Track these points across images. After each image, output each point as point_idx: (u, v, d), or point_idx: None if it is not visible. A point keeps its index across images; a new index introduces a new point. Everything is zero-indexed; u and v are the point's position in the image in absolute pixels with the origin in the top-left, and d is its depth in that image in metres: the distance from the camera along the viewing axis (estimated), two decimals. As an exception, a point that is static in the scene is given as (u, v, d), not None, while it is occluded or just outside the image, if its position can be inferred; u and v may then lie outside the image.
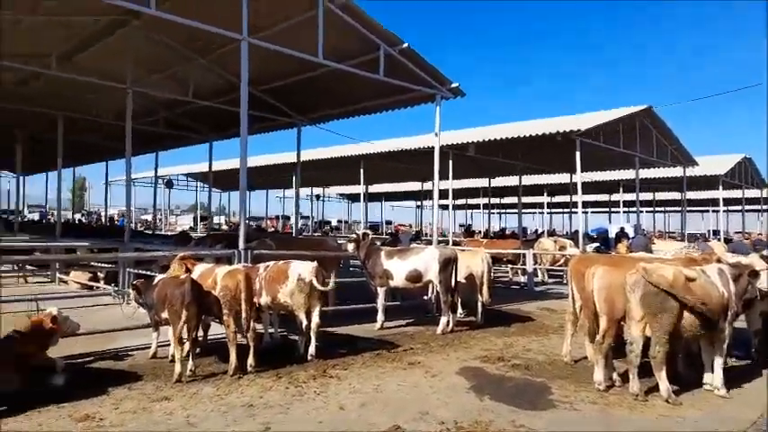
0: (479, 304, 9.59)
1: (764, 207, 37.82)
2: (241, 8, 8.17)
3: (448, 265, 8.90)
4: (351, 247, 9.42)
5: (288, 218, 47.18)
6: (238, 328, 5.97)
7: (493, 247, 17.10)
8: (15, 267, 13.24)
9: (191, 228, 38.58)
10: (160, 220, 48.59)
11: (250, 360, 5.95)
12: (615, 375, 6.01)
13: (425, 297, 10.54)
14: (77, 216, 49.29)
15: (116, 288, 9.28)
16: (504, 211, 47.76)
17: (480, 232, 30.21)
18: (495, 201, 43.01)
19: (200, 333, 6.68)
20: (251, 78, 13.06)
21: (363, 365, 6.49)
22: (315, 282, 6.62)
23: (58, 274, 12.86)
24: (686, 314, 5.54)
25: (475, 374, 6.33)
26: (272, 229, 39.02)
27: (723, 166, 26.78)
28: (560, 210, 42.38)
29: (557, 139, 16.69)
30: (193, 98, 13.45)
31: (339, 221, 48.71)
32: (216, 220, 45.32)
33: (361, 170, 22.24)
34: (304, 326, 6.69)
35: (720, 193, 28.18)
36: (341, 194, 45.59)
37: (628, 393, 5.65)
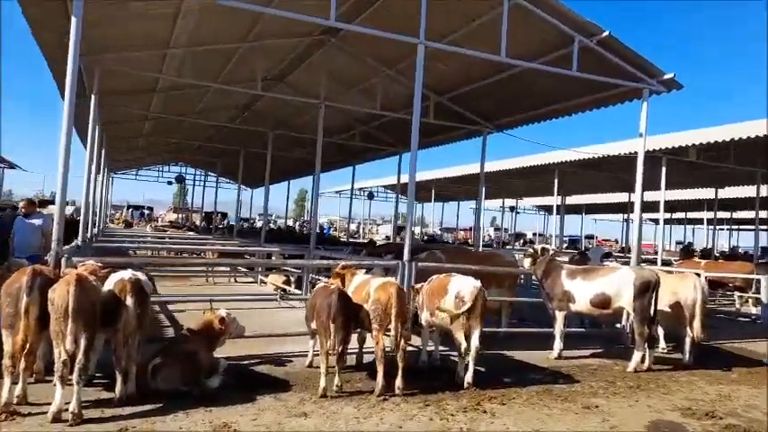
0: (687, 340, 7.83)
1: None
2: (420, 12, 7.95)
3: (646, 290, 7.41)
4: (527, 262, 8.52)
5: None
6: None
7: (715, 269, 14.30)
8: (228, 269, 14.99)
9: (386, 237, 40.31)
10: (363, 229, 52.12)
11: (398, 382, 5.53)
12: None
13: (618, 325, 9.06)
14: (294, 224, 55.43)
15: (282, 293, 9.75)
16: (736, 227, 40.44)
17: (700, 252, 25.77)
18: (723, 215, 36.76)
19: (356, 346, 6.52)
20: (434, 86, 13.07)
21: (526, 402, 5.60)
22: (469, 301, 5.95)
23: (260, 277, 14.23)
24: None
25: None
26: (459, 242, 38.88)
27: None
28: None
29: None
30: (381, 110, 13.78)
31: (534, 234, 46.39)
32: (416, 230, 46.93)
33: (555, 180, 20.67)
34: (463, 348, 6.06)
35: None
36: (537, 206, 43.38)
37: None
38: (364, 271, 7.42)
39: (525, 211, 45.98)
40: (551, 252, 8.51)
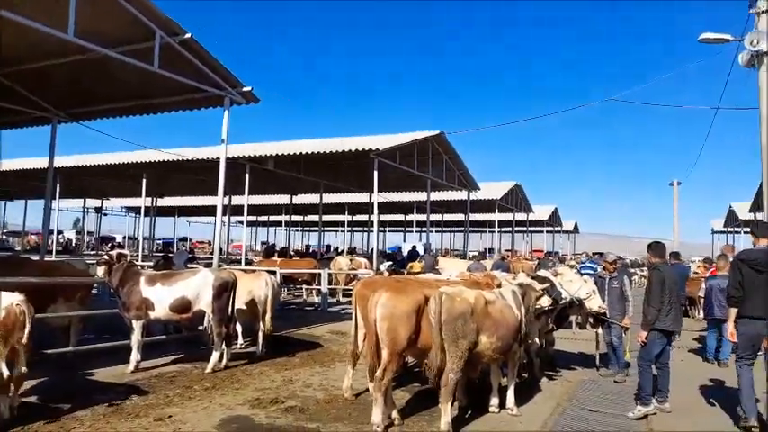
0: (260, 333, 8.53)
1: (530, 229, 43.51)
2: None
3: (224, 290, 7.68)
4: (101, 270, 7.67)
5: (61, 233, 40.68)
6: None
7: (287, 266, 16.24)
8: None
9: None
10: None
11: None
12: (395, 413, 5.46)
13: (201, 327, 9.16)
14: None
15: None
16: (307, 229, 47.44)
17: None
18: (298, 218, 42.59)
19: None
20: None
21: (90, 429, 4.96)
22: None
23: None
24: (484, 338, 5.28)
25: (239, 426, 5.26)
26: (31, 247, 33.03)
27: (499, 191, 29.93)
28: (360, 228, 43.45)
29: (356, 157, 16.64)
30: None
31: (124, 237, 43.32)
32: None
33: (144, 180, 19.71)
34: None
35: (496, 216, 31.41)
36: (127, 207, 40.60)
37: (407, 433, 5.15)
38: None
39: (113, 212, 42.41)
40: (128, 258, 7.91)
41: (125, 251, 8.44)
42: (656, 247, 6.50)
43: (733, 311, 5.66)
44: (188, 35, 8.97)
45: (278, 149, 17.27)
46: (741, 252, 6.72)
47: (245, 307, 8.54)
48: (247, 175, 16.90)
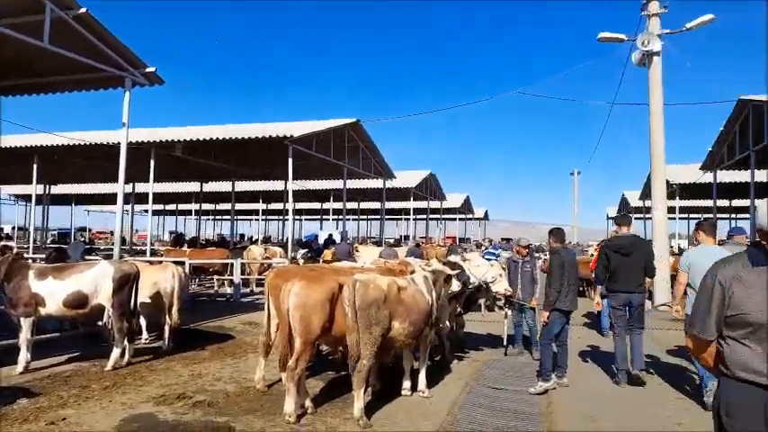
0: (167, 327, 8.14)
1: (444, 216, 44.76)
2: None
3: (126, 283, 7.23)
4: (-19, 265, 6.96)
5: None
6: None
7: (198, 257, 15.63)
8: None
9: None
10: None
11: None
12: (308, 402, 5.43)
13: (100, 323, 8.59)
14: None
15: None
16: (220, 218, 45.89)
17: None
18: (210, 207, 41.09)
19: None
20: None
21: (-32, 438, 4.52)
22: None
23: None
24: (397, 324, 5.35)
25: (142, 425, 5.00)
26: None
27: (414, 180, 30.50)
28: (276, 217, 42.69)
29: (271, 144, 16.26)
30: None
31: (14, 228, 39.73)
32: None
33: (35, 165, 18.13)
34: None
35: (411, 204, 32.01)
36: (15, 195, 37.23)
37: (320, 422, 5.13)
38: None
39: (3, 201, 38.74)
40: (15, 251, 7.25)
41: (11, 243, 7.71)
42: (556, 233, 6.90)
43: (599, 288, 6.99)
44: (83, 10, 8.33)
45: (187, 135, 16.55)
46: (607, 240, 8.10)
47: (149, 300, 8.11)
48: (152, 161, 16.04)
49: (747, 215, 22.26)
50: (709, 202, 25.14)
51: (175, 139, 16.06)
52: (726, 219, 36.90)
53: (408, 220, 35.95)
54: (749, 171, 18.09)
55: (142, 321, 8.76)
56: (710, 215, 26.66)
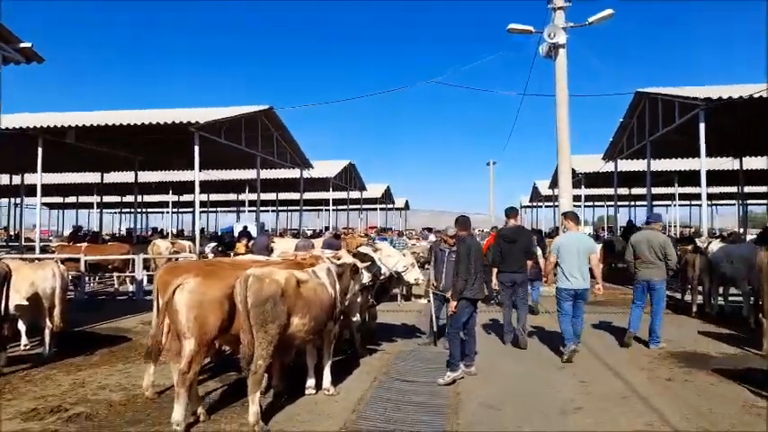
0: (47, 332, 7.32)
1: (364, 206, 44.71)
2: None
3: (-6, 284, 6.42)
4: None
5: None
6: None
7: (95, 252, 14.46)
8: None
9: None
10: None
11: None
12: (200, 409, 5.00)
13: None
14: None
15: None
16: (126, 210, 43.16)
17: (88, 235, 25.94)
18: (113, 199, 38.54)
19: None
20: None
21: None
22: None
23: None
24: (296, 320, 5.02)
25: (1, 447, 4.38)
26: None
27: (333, 169, 30.10)
28: (189, 209, 40.80)
29: (176, 131, 15.28)
30: None
31: None
32: None
33: None
34: None
35: (330, 194, 31.61)
36: None
37: (212, 430, 4.74)
38: None
39: None
40: None
41: None
42: (462, 221, 6.83)
43: (494, 270, 8.25)
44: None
45: (80, 120, 15.18)
46: (500, 229, 9.51)
47: (26, 303, 7.26)
48: (40, 149, 14.60)
49: (645, 203, 23.77)
50: (610, 191, 26.63)
51: (66, 125, 14.68)
52: (626, 206, 39.52)
53: (328, 210, 35.49)
54: (646, 160, 19.23)
55: (21, 326, 7.86)
56: (611, 203, 28.31)
